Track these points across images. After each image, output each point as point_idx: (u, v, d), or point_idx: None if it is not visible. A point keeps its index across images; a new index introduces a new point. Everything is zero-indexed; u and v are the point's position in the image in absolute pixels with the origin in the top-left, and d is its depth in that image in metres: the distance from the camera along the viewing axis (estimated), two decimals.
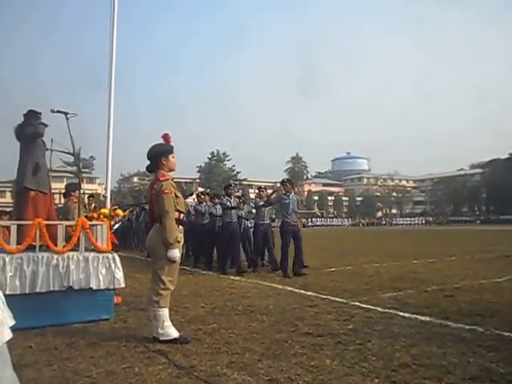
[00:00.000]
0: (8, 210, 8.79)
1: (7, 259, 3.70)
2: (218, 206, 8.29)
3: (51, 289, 3.79)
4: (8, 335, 1.73)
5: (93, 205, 7.70)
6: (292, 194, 7.26)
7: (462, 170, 73.87)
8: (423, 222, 56.54)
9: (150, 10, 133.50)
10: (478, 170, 65.50)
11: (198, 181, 58.36)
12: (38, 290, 3.74)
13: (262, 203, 7.78)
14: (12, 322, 1.81)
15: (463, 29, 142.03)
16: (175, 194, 3.32)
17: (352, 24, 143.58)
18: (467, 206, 63.68)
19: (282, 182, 7.43)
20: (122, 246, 14.28)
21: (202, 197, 9.07)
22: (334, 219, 58.51)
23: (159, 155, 3.41)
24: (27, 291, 3.71)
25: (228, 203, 7.73)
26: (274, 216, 9.84)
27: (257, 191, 8.61)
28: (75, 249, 4.05)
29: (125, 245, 14.38)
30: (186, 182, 53.27)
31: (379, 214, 69.29)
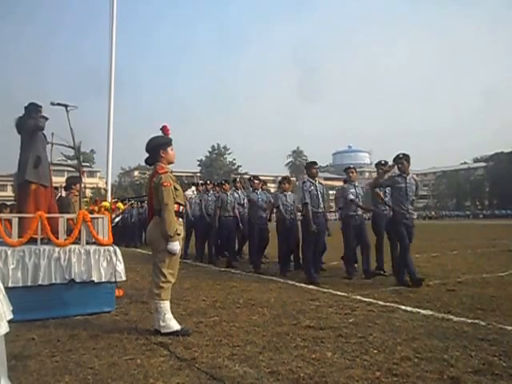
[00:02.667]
0: (9, 203, 8.78)
1: (9, 252, 3.71)
2: (289, 193, 6.56)
3: (53, 281, 3.81)
4: (5, 329, 1.73)
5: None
6: (410, 175, 5.37)
7: (465, 163, 73.45)
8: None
9: (153, 7, 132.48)
10: (482, 164, 65.07)
11: (198, 174, 58.39)
12: (40, 282, 3.76)
13: (351, 189, 6.08)
14: (10, 316, 1.81)
15: (464, 22, 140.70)
16: (174, 187, 3.30)
17: (352, 19, 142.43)
18: (470, 200, 63.42)
19: (397, 159, 5.36)
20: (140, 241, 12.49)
21: (256, 182, 7.27)
22: (336, 214, 58.24)
23: (158, 148, 3.39)
24: (29, 284, 3.73)
25: (312, 187, 5.83)
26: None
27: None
28: (76, 242, 4.05)
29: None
30: (186, 176, 53.27)
31: None
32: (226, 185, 8.08)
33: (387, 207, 5.97)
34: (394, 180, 5.38)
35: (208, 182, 8.94)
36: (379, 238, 6.22)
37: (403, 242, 5.19)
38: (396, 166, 5.38)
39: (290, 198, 6.51)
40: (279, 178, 8.98)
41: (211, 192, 8.47)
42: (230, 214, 7.74)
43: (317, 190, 5.85)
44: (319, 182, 6.01)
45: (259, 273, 6.47)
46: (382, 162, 6.11)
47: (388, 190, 5.88)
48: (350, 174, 6.24)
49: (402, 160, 5.32)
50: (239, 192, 8.19)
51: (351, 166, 6.49)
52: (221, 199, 7.79)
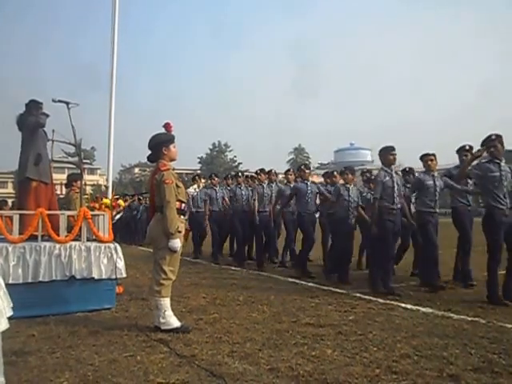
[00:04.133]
0: (10, 200, 8.79)
1: (10, 249, 3.72)
2: (352, 186, 5.58)
3: (53, 278, 3.82)
4: (5, 325, 1.73)
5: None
6: (503, 162, 4.34)
7: None
8: None
9: (153, 6, 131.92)
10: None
11: (199, 172, 58.43)
12: (40, 279, 3.76)
13: (429, 181, 4.91)
14: (10, 313, 1.82)
15: (462, 21, 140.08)
16: (176, 184, 3.31)
17: (352, 17, 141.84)
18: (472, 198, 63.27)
19: (489, 141, 4.28)
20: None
21: (307, 171, 6.16)
22: None
23: (160, 145, 3.39)
24: (30, 280, 3.73)
25: (387, 178, 4.72)
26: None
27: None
28: (77, 239, 4.06)
29: None
30: (187, 173, 53.27)
31: None
32: (262, 175, 7.12)
33: (468, 202, 5.04)
34: (486, 168, 4.28)
35: (240, 174, 7.89)
36: (465, 239, 5.04)
37: (494, 250, 4.14)
38: (487, 151, 4.26)
39: (353, 191, 5.53)
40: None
41: (243, 186, 7.50)
42: (266, 209, 6.88)
43: (393, 182, 4.72)
44: (396, 172, 4.87)
45: (307, 277, 5.66)
46: (467, 148, 4.99)
47: (470, 181, 5.00)
48: (429, 163, 4.98)
49: (495, 142, 4.22)
50: (273, 185, 7.18)
51: (430, 153, 5.07)
52: (257, 192, 6.90)
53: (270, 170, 7.44)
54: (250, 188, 7.36)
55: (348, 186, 5.54)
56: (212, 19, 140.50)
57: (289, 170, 7.19)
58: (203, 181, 9.29)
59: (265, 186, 7.00)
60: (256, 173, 7.47)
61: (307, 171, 6.16)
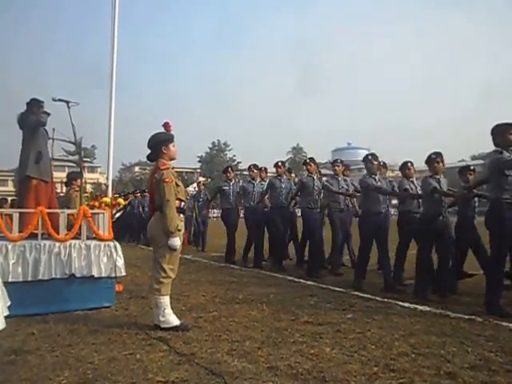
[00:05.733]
0: (10, 198, 8.79)
1: (10, 247, 3.73)
2: (443, 178, 4.52)
3: (53, 276, 3.82)
4: (1, 325, 1.75)
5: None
6: None
7: (463, 161, 73.27)
8: None
9: (153, 4, 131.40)
10: (480, 162, 64.93)
11: (198, 171, 58.40)
12: (40, 277, 3.77)
13: None
14: (6, 312, 1.84)
15: (464, 21, 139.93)
16: (176, 183, 3.33)
17: (352, 17, 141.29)
18: None
19: None
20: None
21: (375, 163, 4.99)
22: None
23: (160, 144, 3.41)
24: (30, 279, 3.74)
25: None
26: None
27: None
28: (77, 237, 4.07)
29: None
30: (186, 172, 53.27)
31: None
32: (312, 165, 6.13)
33: None
34: None
35: (280, 163, 6.76)
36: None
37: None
38: None
39: (444, 184, 4.46)
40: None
41: (284, 177, 6.68)
42: (314, 206, 5.97)
43: None
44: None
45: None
46: None
47: None
48: None
49: None
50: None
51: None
52: (303, 185, 6.03)
53: (313, 160, 6.32)
54: (291, 180, 6.70)
55: (437, 176, 4.41)
56: (212, 19, 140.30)
57: (336, 161, 6.38)
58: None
59: (314, 177, 6.04)
60: (304, 162, 6.36)
61: (375, 163, 4.96)
